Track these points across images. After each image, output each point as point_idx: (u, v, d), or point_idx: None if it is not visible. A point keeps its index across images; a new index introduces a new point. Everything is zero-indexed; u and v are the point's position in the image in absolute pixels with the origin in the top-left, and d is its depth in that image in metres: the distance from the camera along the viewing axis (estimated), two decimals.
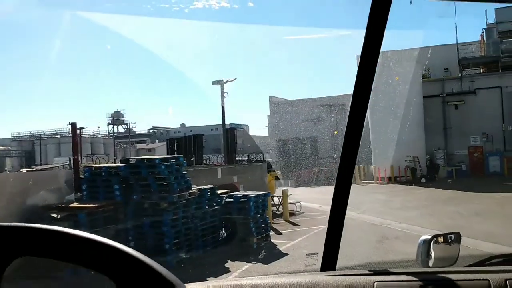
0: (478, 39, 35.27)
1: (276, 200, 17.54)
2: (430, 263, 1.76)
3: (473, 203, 18.53)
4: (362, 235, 13.52)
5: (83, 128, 56.12)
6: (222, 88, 22.83)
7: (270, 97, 42.44)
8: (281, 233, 13.60)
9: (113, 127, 76.59)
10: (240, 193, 12.81)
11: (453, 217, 15.44)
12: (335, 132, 30.13)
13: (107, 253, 0.78)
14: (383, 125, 31.03)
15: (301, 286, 1.39)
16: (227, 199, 12.11)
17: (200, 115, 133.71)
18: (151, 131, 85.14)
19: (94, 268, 0.78)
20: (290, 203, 17.15)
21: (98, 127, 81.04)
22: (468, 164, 32.31)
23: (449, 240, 1.83)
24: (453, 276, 1.47)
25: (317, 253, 2.89)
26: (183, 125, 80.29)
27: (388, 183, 30.27)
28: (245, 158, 22.69)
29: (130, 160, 11.63)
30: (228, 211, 11.87)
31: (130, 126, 78.69)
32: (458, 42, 33.52)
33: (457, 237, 1.84)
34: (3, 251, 0.75)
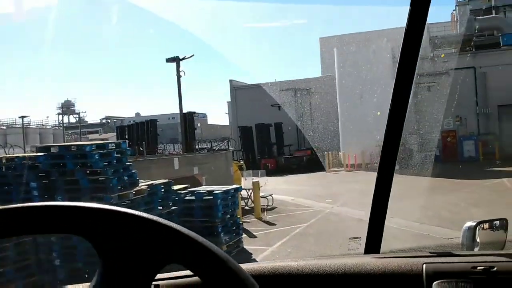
0: (449, 21, 33.80)
1: (244, 193, 14.97)
2: (476, 249, 1.68)
3: (463, 191, 16.61)
4: (352, 234, 11.20)
5: (25, 116, 51.89)
6: (178, 66, 19.88)
7: (230, 81, 39.57)
8: (255, 236, 10.97)
9: (63, 117, 72.36)
10: (203, 188, 10.06)
11: (450, 209, 13.31)
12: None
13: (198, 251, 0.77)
14: (352, 108, 29.05)
15: (349, 267, 1.38)
16: (187, 197, 9.34)
17: (156, 104, 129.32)
18: (104, 120, 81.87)
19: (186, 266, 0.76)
20: (261, 196, 14.60)
21: (47, 117, 76.19)
22: (441, 149, 30.78)
23: (495, 227, 1.76)
24: (503, 258, 1.44)
25: (360, 237, 2.35)
26: (138, 114, 76.80)
27: (358, 170, 28.28)
28: (206, 146, 19.86)
29: (51, 148, 8.57)
30: (189, 212, 9.15)
31: (81, 116, 74.74)
32: (429, 22, 31.93)
33: (503, 223, 1.78)
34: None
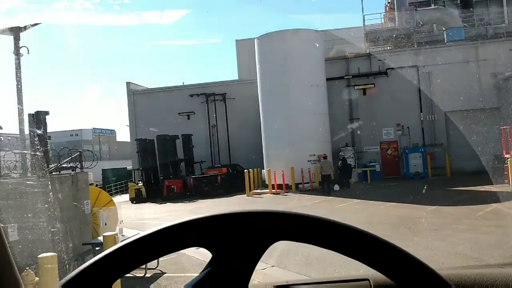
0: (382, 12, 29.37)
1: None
2: None
3: (461, 225, 11.02)
4: None
5: None
6: (17, 39, 12.53)
7: (128, 83, 32.16)
8: None
9: None
10: None
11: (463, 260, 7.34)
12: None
13: (377, 247, 0.75)
14: (278, 116, 23.15)
15: None
16: None
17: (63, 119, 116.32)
18: None
19: (366, 262, 0.75)
20: None
21: None
22: (381, 163, 25.80)
23: None
24: None
25: None
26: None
27: (287, 193, 22.22)
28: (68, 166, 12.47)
29: None
30: None
31: None
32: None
33: None
34: (265, 235, 0.79)
